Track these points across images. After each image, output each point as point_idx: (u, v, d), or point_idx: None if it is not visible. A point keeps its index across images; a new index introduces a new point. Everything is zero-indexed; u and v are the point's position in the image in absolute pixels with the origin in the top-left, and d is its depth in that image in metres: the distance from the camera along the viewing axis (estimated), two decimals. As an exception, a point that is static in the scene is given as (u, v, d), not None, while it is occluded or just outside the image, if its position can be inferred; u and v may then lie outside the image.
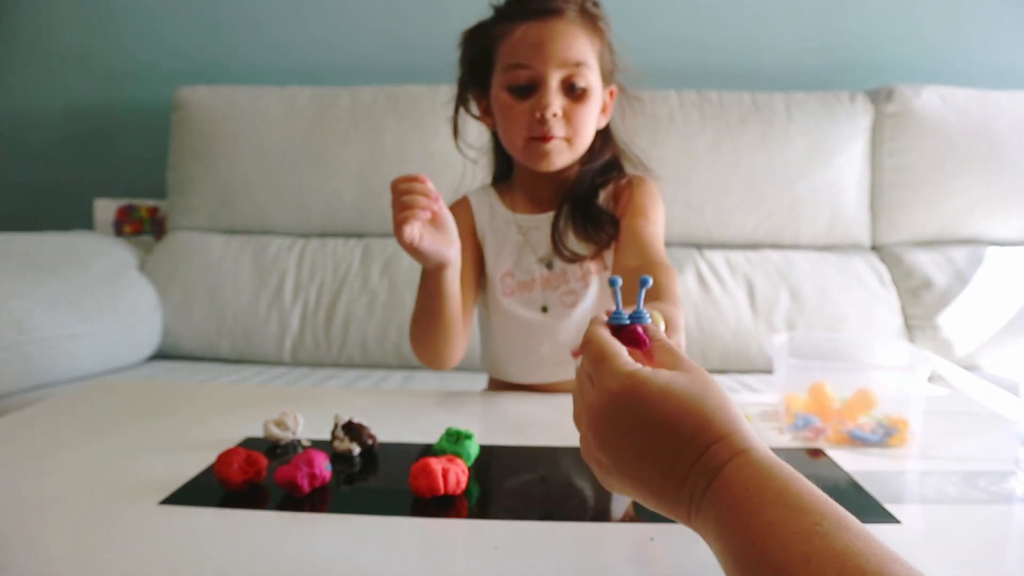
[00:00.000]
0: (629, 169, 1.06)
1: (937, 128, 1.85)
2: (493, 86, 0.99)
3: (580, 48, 0.95)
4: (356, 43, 2.09)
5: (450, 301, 0.91)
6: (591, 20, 0.97)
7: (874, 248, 1.93)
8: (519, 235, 1.04)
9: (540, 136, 0.95)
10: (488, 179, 1.13)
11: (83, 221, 2.12)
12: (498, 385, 1.10)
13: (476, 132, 1.11)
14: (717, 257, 1.85)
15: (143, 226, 2.11)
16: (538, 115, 0.94)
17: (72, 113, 2.15)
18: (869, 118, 1.88)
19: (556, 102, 0.94)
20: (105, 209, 2.10)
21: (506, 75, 0.96)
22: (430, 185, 0.88)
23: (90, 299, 1.63)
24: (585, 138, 0.98)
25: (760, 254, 1.87)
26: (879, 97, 1.90)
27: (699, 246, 1.89)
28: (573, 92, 0.95)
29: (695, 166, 1.85)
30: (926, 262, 1.84)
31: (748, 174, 1.85)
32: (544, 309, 1.02)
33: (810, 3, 2.05)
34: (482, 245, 1.06)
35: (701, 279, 1.81)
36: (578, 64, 0.94)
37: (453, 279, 0.91)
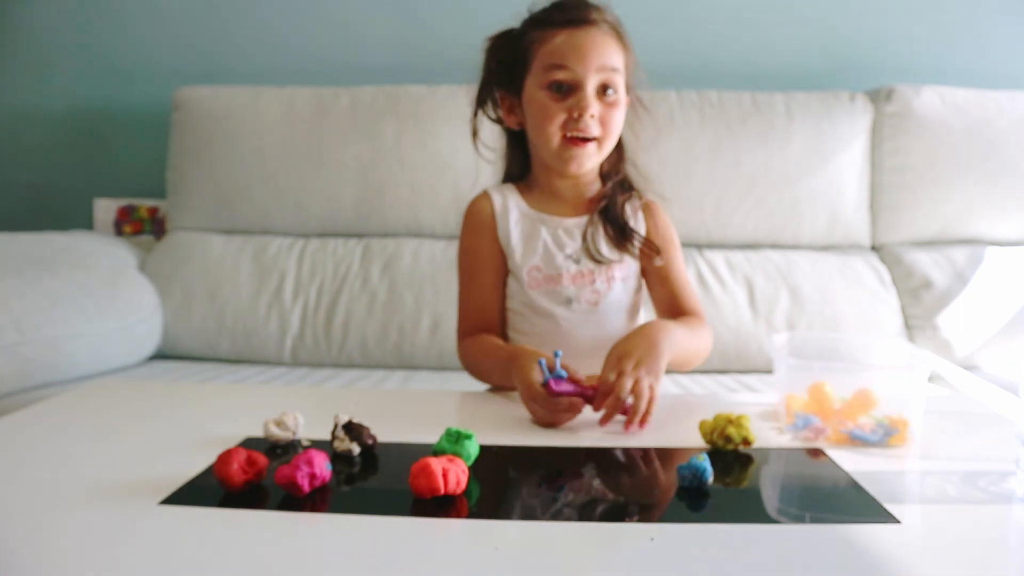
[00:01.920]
0: (636, 180, 1.13)
1: (937, 128, 1.85)
2: (528, 87, 1.04)
3: (614, 55, 1.01)
4: (356, 43, 2.09)
5: None
6: (616, 29, 1.03)
7: (874, 248, 1.93)
8: (547, 234, 1.09)
9: (576, 135, 1.01)
10: (493, 179, 1.17)
11: (83, 221, 2.12)
12: None
13: (488, 133, 1.14)
14: (717, 257, 1.85)
15: (143, 226, 2.11)
16: (576, 114, 0.99)
17: (72, 113, 2.15)
18: (869, 118, 1.88)
19: (594, 104, 1.00)
20: (105, 209, 2.10)
21: (546, 75, 1.01)
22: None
23: (90, 299, 1.63)
24: (613, 142, 1.05)
25: (760, 254, 1.87)
26: (879, 97, 1.90)
27: (699, 246, 1.88)
28: (606, 97, 1.01)
29: (695, 166, 1.85)
30: (926, 262, 1.84)
31: (748, 174, 1.85)
32: (568, 302, 1.07)
33: (810, 3, 2.05)
34: (504, 242, 1.10)
35: (701, 279, 1.81)
36: (614, 70, 1.02)
37: None
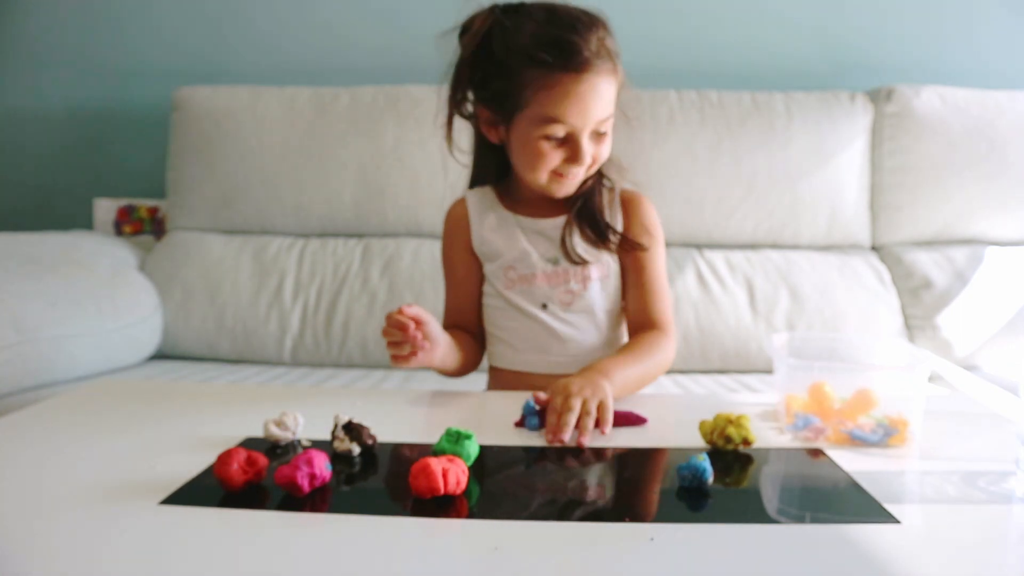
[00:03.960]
0: (608, 170, 1.10)
1: (937, 128, 1.85)
2: (520, 123, 1.00)
3: (610, 101, 0.99)
4: (356, 43, 2.09)
5: (451, 363, 1.05)
6: (612, 59, 0.98)
7: (874, 248, 1.93)
8: (523, 236, 1.08)
9: (567, 173, 1.01)
10: (462, 177, 1.17)
11: (83, 221, 2.12)
12: (497, 380, 1.12)
13: (463, 134, 1.12)
14: (717, 257, 1.85)
15: (143, 226, 2.11)
16: (574, 164, 0.99)
17: (72, 113, 2.15)
18: (869, 118, 1.88)
19: (588, 151, 0.99)
20: (105, 209, 2.10)
21: (543, 126, 0.97)
22: (411, 319, 0.98)
23: (90, 299, 1.63)
24: (600, 162, 1.04)
25: (760, 254, 1.87)
26: (879, 97, 1.90)
27: (699, 246, 1.88)
28: (598, 136, 1.00)
29: (695, 166, 1.85)
30: (926, 262, 1.84)
31: (748, 174, 1.85)
32: (544, 306, 1.06)
33: (810, 3, 2.05)
34: (479, 250, 1.10)
35: (701, 279, 1.81)
36: (609, 117, 0.99)
37: (445, 359, 1.02)
